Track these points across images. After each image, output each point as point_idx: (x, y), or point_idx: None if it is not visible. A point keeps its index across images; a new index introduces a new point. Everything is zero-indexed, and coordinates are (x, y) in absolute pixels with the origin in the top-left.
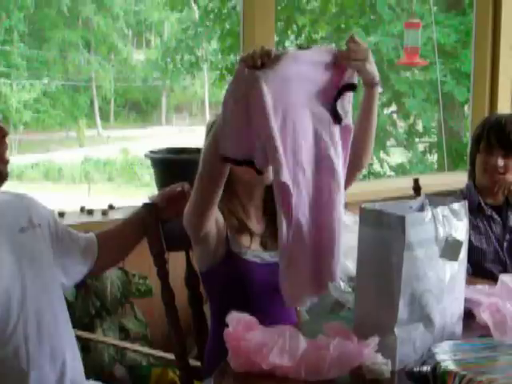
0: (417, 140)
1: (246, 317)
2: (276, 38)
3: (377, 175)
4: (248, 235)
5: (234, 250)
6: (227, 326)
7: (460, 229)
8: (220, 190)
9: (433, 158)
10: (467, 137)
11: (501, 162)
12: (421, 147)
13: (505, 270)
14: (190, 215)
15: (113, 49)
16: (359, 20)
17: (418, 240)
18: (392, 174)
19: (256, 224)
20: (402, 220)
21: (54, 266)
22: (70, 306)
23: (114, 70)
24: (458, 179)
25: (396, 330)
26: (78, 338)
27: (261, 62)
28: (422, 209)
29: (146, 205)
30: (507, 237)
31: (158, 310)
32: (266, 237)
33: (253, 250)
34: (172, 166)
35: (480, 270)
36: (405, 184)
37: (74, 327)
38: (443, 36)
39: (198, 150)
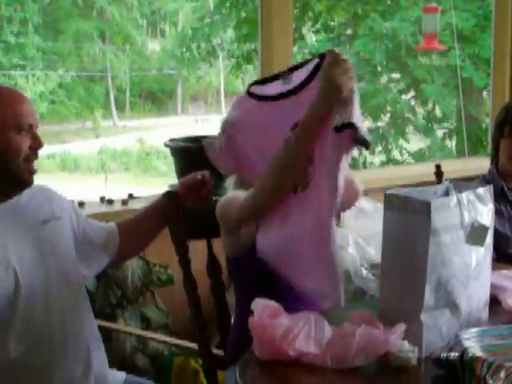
0: (435, 126)
1: (271, 304)
2: (293, 25)
3: (396, 162)
4: None
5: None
6: (252, 314)
7: (485, 214)
8: None
9: (451, 143)
10: (486, 122)
11: None
12: (440, 133)
13: None
14: (243, 215)
15: (127, 39)
16: (376, 6)
17: (443, 225)
18: (411, 160)
19: None
20: (427, 206)
21: (76, 257)
22: (91, 296)
23: (129, 60)
24: (479, 164)
25: (422, 316)
26: (100, 328)
27: None
28: (446, 194)
29: (166, 193)
30: None
31: (179, 299)
32: None
33: None
34: (192, 154)
35: (504, 255)
36: (425, 170)
37: (95, 317)
38: (461, 21)
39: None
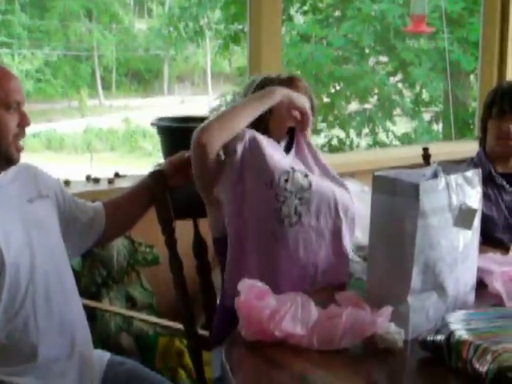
0: (423, 109)
1: (257, 284)
2: (281, 6)
3: (382, 145)
4: None
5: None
6: (238, 292)
7: (473, 197)
8: None
9: (438, 127)
10: (473, 106)
11: None
12: (427, 116)
13: None
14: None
15: (114, 18)
16: None
17: (431, 208)
18: (397, 143)
19: None
20: (416, 188)
21: (62, 235)
22: (77, 275)
23: (116, 39)
24: (466, 148)
25: (409, 298)
26: (85, 307)
27: None
28: (435, 177)
29: (153, 172)
30: None
31: (164, 279)
32: None
33: None
34: (179, 134)
35: (490, 238)
36: (412, 153)
37: (80, 296)
38: (450, 3)
39: (204, 118)
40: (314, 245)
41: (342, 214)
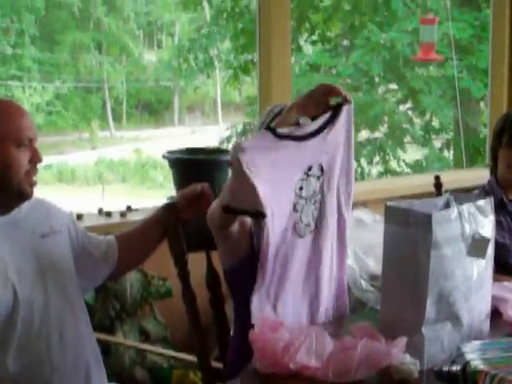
0: (433, 137)
1: (271, 317)
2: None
3: (393, 173)
4: None
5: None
6: (251, 325)
7: (486, 225)
8: None
9: (449, 154)
10: (484, 133)
11: None
12: (437, 144)
13: None
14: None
15: (124, 50)
16: (373, 17)
17: (444, 238)
18: (409, 171)
19: None
20: (428, 218)
21: (75, 270)
22: (90, 308)
23: (126, 70)
24: (477, 175)
25: (424, 329)
26: (99, 341)
27: None
28: (447, 206)
29: (165, 205)
30: None
31: (177, 312)
32: None
33: None
34: (190, 166)
35: (504, 266)
36: (423, 181)
37: (94, 330)
38: (458, 31)
39: (216, 150)
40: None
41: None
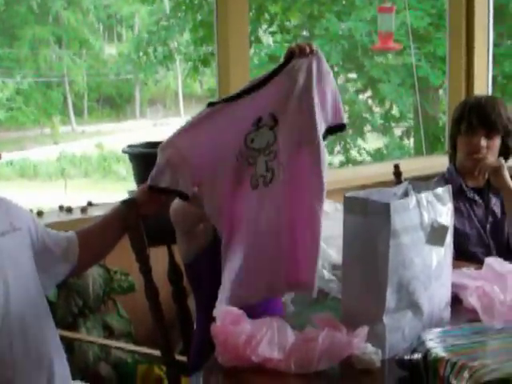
0: (393, 125)
1: (232, 310)
2: (248, 27)
3: (354, 162)
4: None
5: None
6: (213, 320)
7: (445, 214)
8: None
9: (409, 142)
10: (443, 120)
11: (483, 143)
12: (397, 132)
13: (488, 253)
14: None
15: (84, 44)
16: (332, 6)
17: (403, 227)
18: (369, 159)
19: None
20: (387, 207)
21: (36, 268)
22: (52, 305)
23: (86, 64)
24: (437, 163)
25: (384, 318)
26: (62, 338)
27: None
28: (405, 195)
29: (125, 201)
30: (490, 219)
31: (140, 306)
32: None
33: None
34: (151, 160)
35: (463, 253)
36: (383, 170)
37: (57, 327)
38: (416, 20)
39: None
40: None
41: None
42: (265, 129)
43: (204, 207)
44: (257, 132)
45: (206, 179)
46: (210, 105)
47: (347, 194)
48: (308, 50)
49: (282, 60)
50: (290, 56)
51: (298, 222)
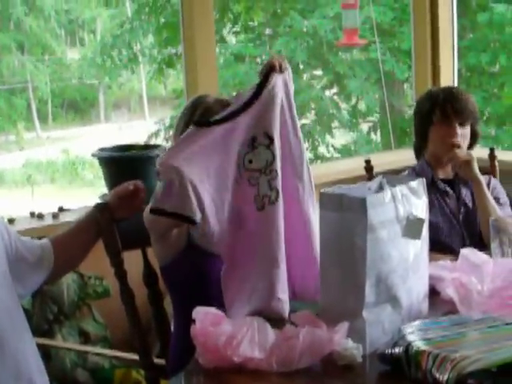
0: (360, 120)
1: (211, 311)
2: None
3: (323, 158)
4: None
5: (195, 241)
6: (193, 320)
7: (420, 206)
8: None
9: (377, 137)
10: (409, 114)
11: (459, 131)
12: (365, 127)
13: (462, 243)
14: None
15: (47, 49)
16: (295, 4)
17: (379, 221)
18: (338, 155)
19: None
20: (363, 202)
21: (10, 276)
22: (27, 313)
23: (50, 70)
24: (406, 156)
25: (364, 313)
26: (38, 346)
27: None
28: (380, 189)
29: (98, 205)
30: (462, 210)
31: (116, 311)
32: None
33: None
34: (121, 163)
35: (437, 244)
36: (353, 165)
37: (33, 335)
38: (379, 15)
39: (146, 147)
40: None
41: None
42: (261, 148)
43: (209, 234)
44: (253, 152)
45: (208, 205)
46: (197, 124)
47: (322, 190)
48: (284, 65)
49: (260, 75)
50: (269, 71)
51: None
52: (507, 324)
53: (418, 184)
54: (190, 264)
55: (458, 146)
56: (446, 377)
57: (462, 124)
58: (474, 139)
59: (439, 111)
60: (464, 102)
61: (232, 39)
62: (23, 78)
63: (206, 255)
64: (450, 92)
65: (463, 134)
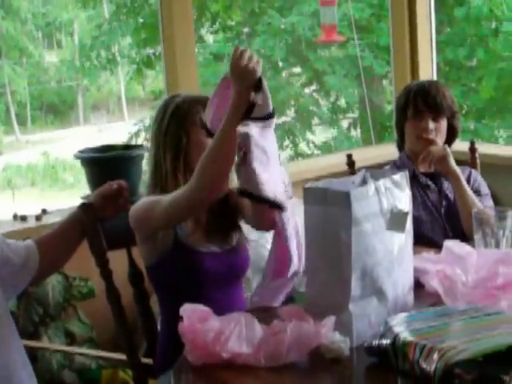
0: (340, 117)
1: (199, 308)
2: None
3: (304, 155)
4: (194, 225)
5: (182, 240)
6: (180, 318)
7: (403, 199)
8: None
9: (357, 133)
10: (388, 109)
11: (431, 126)
12: (345, 123)
13: (444, 236)
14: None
15: (24, 52)
16: (273, 2)
17: (364, 214)
18: (318, 152)
19: (202, 215)
20: (347, 196)
21: None
22: (13, 315)
23: (28, 73)
24: (386, 151)
25: (350, 306)
26: (24, 348)
27: None
28: (364, 183)
29: (82, 205)
30: (444, 203)
31: (101, 311)
32: (210, 228)
33: (199, 240)
34: (104, 163)
35: (420, 238)
36: (334, 161)
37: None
38: (357, 11)
39: (126, 147)
40: None
41: None
42: None
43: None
44: None
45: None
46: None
47: (306, 185)
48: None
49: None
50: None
51: None
52: (488, 315)
53: (401, 177)
54: (178, 263)
55: (432, 143)
56: (433, 367)
57: (435, 119)
58: (452, 134)
59: (412, 107)
60: (437, 95)
61: (210, 38)
62: (1, 82)
63: (193, 253)
64: (422, 87)
65: (437, 128)
